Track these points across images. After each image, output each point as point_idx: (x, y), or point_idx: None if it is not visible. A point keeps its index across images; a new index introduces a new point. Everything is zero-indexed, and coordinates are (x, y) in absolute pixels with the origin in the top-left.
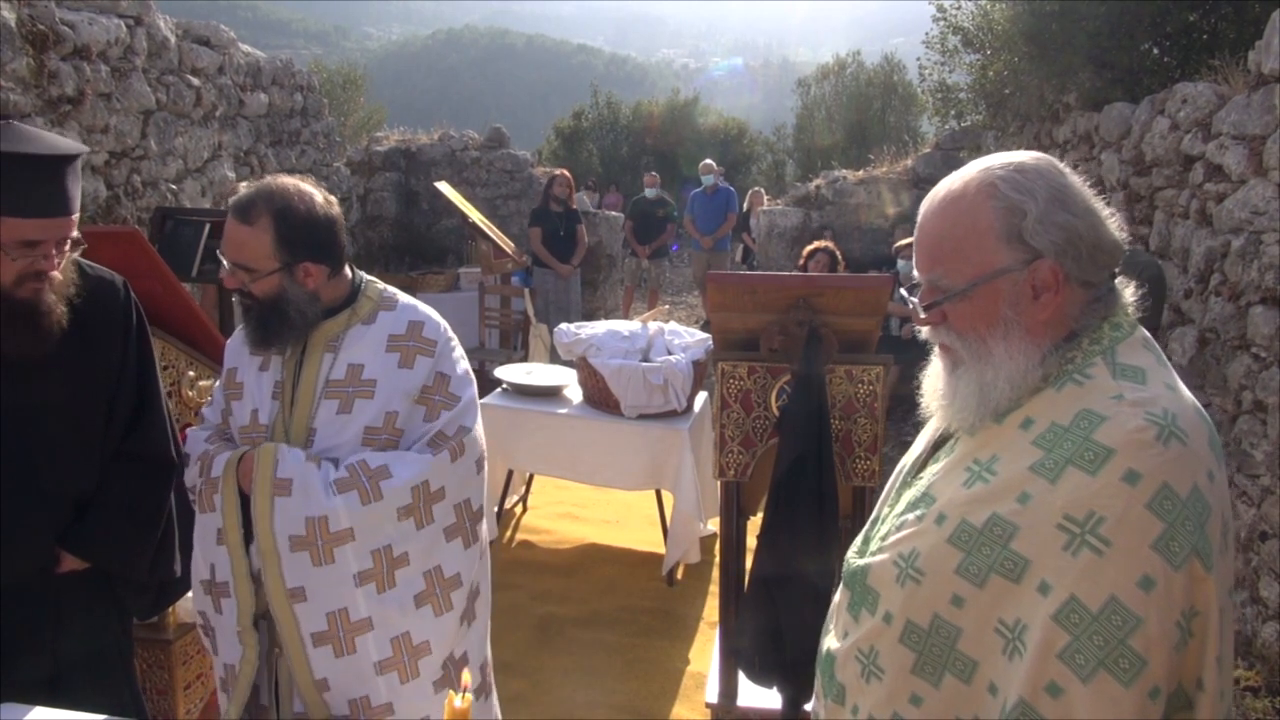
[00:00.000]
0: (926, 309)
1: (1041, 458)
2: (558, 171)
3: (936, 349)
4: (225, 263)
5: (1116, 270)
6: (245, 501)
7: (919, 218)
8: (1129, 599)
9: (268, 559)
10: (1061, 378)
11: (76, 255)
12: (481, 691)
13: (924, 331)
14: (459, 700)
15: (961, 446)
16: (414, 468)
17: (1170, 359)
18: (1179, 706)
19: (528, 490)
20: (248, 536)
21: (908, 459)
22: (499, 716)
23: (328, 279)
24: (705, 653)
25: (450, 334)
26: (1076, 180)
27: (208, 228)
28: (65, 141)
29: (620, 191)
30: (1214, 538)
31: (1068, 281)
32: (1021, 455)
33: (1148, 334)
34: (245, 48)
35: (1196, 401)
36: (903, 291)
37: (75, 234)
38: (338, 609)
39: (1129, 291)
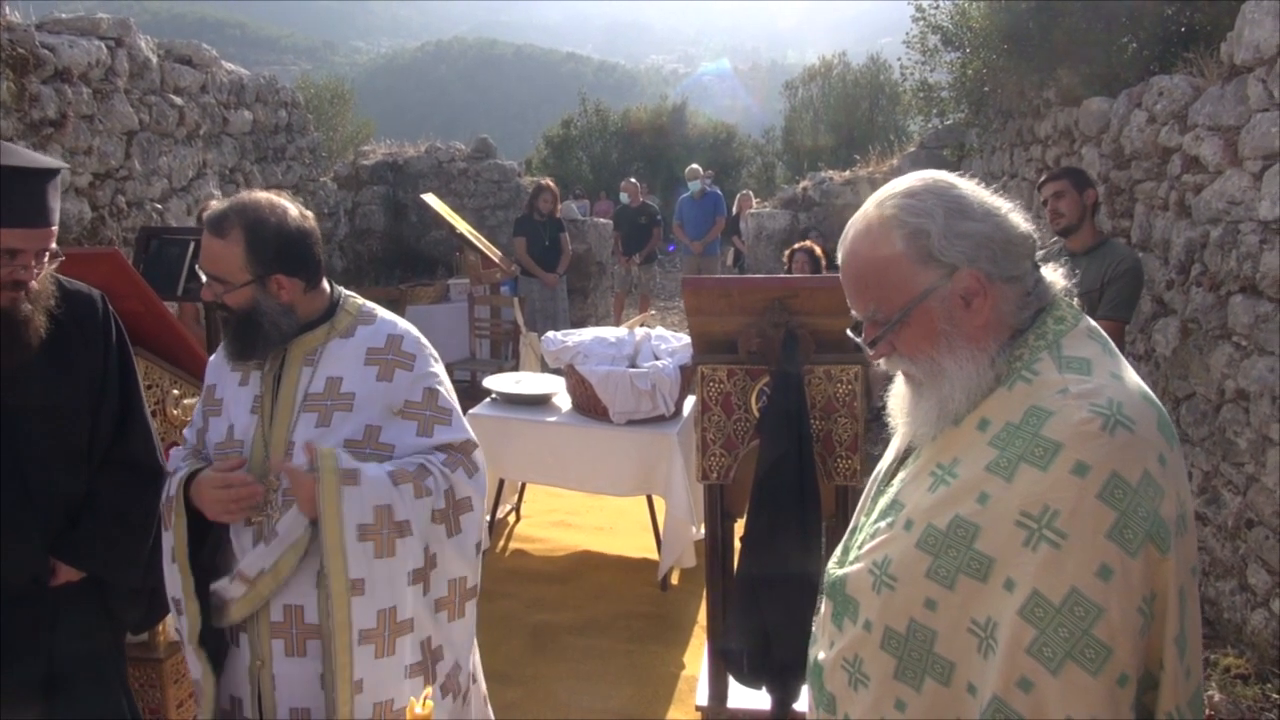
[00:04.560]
0: (872, 344)
1: (996, 457)
2: (543, 182)
3: (899, 374)
4: (205, 275)
5: (1038, 260)
6: (194, 520)
7: (839, 260)
8: (1089, 589)
9: (333, 552)
10: (1011, 376)
11: (53, 269)
12: (449, 690)
13: (882, 363)
14: (419, 707)
15: (925, 452)
16: (443, 473)
17: (1154, 350)
18: (1146, 688)
19: (520, 499)
20: (194, 557)
21: (881, 466)
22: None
23: (303, 292)
24: (700, 656)
25: (430, 348)
26: (970, 187)
27: (192, 246)
28: (45, 158)
29: (610, 199)
30: (1169, 520)
31: (992, 282)
32: (979, 456)
33: (1093, 323)
34: (228, 65)
35: (1144, 387)
36: (848, 332)
37: (54, 246)
38: (388, 607)
39: (1059, 275)
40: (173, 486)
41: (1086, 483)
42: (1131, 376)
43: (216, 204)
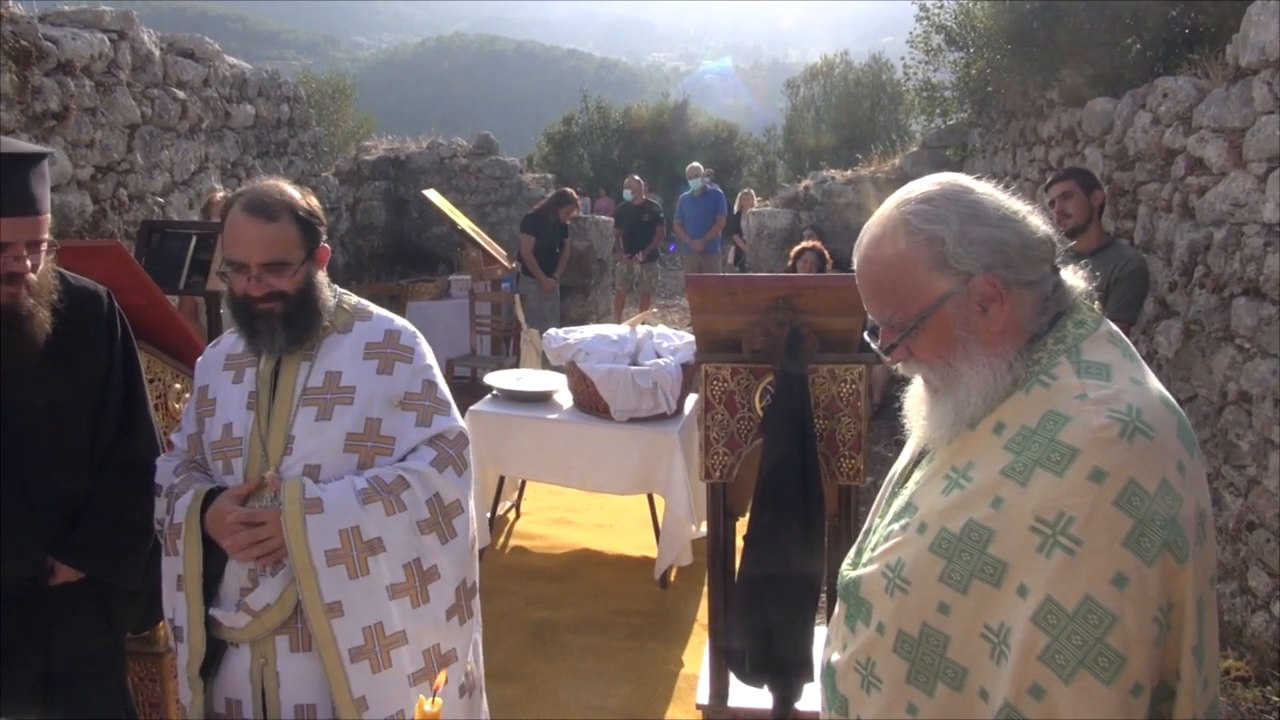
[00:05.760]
0: (888, 350)
1: (1011, 461)
2: (568, 191)
3: (917, 378)
4: (250, 268)
5: (1058, 263)
6: (208, 547)
7: (855, 265)
8: (1104, 597)
9: (304, 578)
10: (1029, 380)
11: (52, 261)
12: (468, 689)
13: (899, 367)
14: (429, 705)
15: (940, 455)
16: (425, 482)
17: (1156, 352)
18: (1162, 699)
19: (520, 496)
20: (208, 586)
21: (896, 468)
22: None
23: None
24: (699, 654)
25: (425, 343)
26: (987, 190)
27: (194, 240)
28: (27, 144)
29: (610, 196)
30: (1188, 529)
31: (1009, 288)
32: (994, 460)
33: (1114, 327)
34: (231, 60)
35: (1165, 393)
36: (865, 336)
37: (47, 236)
38: (373, 623)
39: (1079, 278)
40: (179, 511)
41: (1103, 489)
42: (1153, 382)
43: (220, 195)
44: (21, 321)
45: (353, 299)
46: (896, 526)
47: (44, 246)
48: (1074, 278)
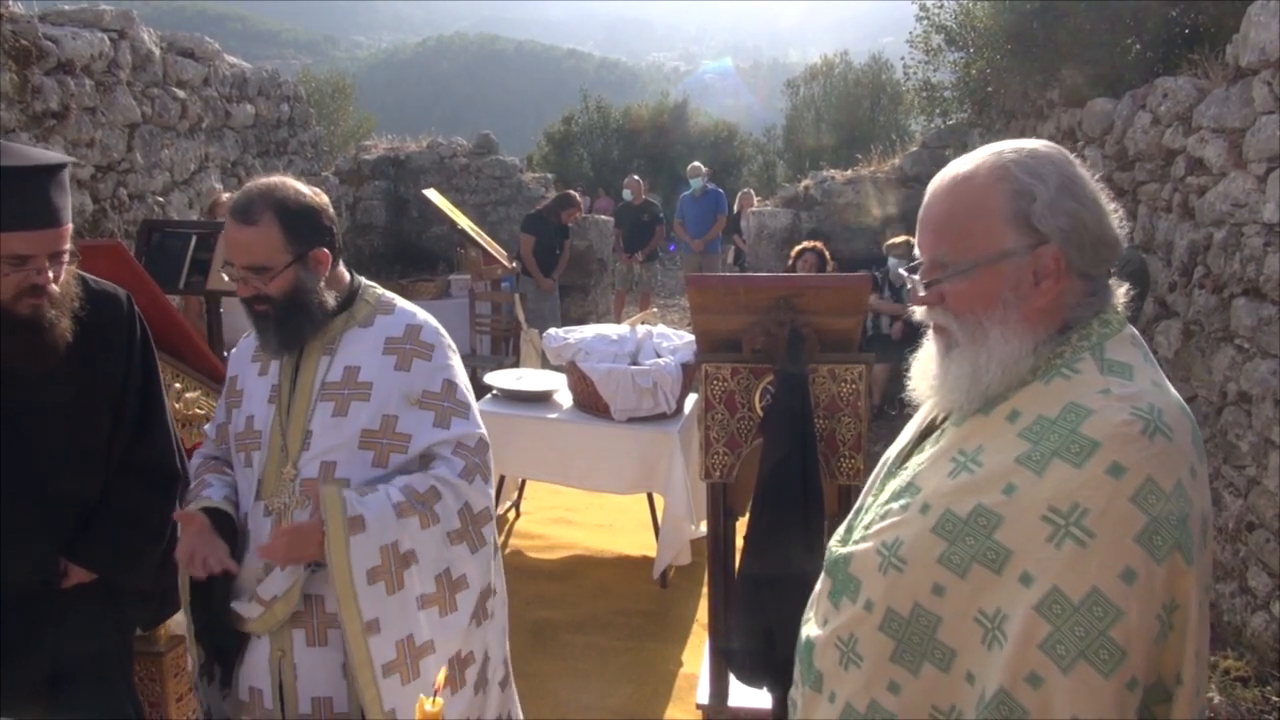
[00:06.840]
0: (927, 286)
1: (1028, 450)
2: (572, 194)
3: (930, 331)
4: (235, 269)
5: (1113, 269)
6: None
7: (926, 196)
8: (1111, 591)
9: (345, 599)
10: (1049, 371)
11: (75, 267)
12: (480, 685)
13: (919, 311)
14: (429, 704)
15: (948, 437)
16: (457, 492)
17: (1156, 352)
18: (1158, 699)
19: (520, 495)
20: (195, 599)
21: (893, 449)
22: (518, 715)
23: (331, 268)
24: (699, 654)
25: (448, 339)
26: (1085, 172)
27: (194, 239)
28: (48, 154)
29: (610, 196)
30: (1195, 532)
31: (1069, 271)
32: (1008, 447)
33: (1135, 332)
34: (231, 59)
35: (1180, 398)
36: (901, 270)
37: (69, 247)
38: (405, 636)
39: (1121, 291)
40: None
41: (1121, 484)
42: (1169, 387)
43: (222, 198)
44: (43, 332)
45: (377, 291)
46: (895, 506)
47: (65, 257)
48: (1117, 287)
